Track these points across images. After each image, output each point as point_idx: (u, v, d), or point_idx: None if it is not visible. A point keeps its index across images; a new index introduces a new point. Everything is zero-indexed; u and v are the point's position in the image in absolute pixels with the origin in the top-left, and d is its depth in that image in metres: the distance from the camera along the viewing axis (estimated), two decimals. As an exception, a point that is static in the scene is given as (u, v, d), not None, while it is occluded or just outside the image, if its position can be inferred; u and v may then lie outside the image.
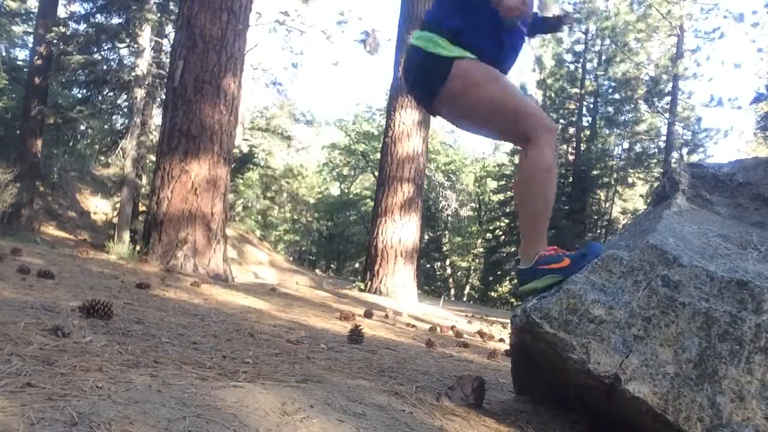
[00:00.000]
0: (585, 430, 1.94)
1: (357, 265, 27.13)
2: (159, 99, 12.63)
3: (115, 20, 12.36)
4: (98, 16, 12.52)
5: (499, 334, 5.80)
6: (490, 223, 28.06)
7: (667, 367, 1.63)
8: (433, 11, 2.00)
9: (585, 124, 23.94)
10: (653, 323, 1.68)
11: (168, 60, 9.09)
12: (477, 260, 28.66)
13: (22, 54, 16.53)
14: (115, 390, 1.29)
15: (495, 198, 27.61)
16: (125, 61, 12.85)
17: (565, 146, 25.01)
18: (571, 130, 24.22)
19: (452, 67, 1.88)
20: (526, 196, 1.94)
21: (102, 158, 13.66)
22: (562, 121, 24.39)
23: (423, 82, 1.99)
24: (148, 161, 12.27)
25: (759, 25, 17.99)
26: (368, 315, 5.12)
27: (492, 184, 28.11)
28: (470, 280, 29.06)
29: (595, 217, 24.32)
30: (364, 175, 28.82)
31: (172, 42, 8.07)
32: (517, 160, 22.77)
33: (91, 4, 12.86)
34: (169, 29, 12.74)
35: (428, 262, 28.42)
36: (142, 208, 12.01)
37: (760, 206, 2.16)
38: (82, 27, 12.56)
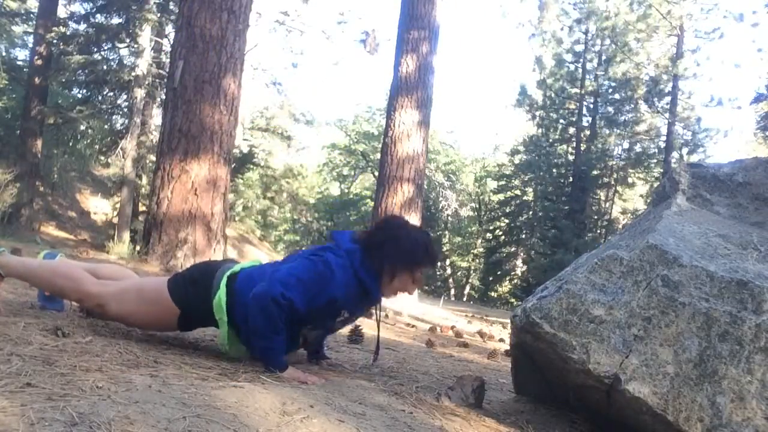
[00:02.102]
0: (585, 430, 1.94)
1: None
2: (159, 99, 12.62)
3: (115, 20, 12.35)
4: (98, 16, 12.51)
5: (499, 334, 5.80)
6: (490, 223, 28.06)
7: (667, 367, 1.63)
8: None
9: (585, 124, 23.93)
10: (653, 323, 1.68)
11: (168, 60, 9.09)
12: (477, 260, 28.66)
13: (22, 54, 16.53)
14: (115, 390, 1.29)
15: (495, 198, 27.62)
16: (125, 61, 12.84)
17: (565, 146, 25.02)
18: (571, 130, 24.22)
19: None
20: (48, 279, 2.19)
21: (102, 158, 13.65)
22: (562, 121, 24.39)
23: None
24: (148, 161, 12.27)
25: (759, 25, 18.02)
26: (368, 315, 5.12)
27: (492, 184, 28.12)
28: (470, 280, 29.05)
29: (595, 217, 24.32)
30: (364, 175, 28.83)
31: (172, 42, 8.07)
32: (516, 160, 22.66)
33: (91, 4, 12.85)
34: (169, 29, 12.73)
35: (428, 262, 28.35)
36: (142, 208, 12.01)
37: (760, 206, 2.16)
38: (82, 27, 12.54)
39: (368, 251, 2.02)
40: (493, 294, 26.08)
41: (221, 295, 1.97)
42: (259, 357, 1.93)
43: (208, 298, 1.99)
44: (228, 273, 2.02)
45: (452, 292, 27.90)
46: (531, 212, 25.27)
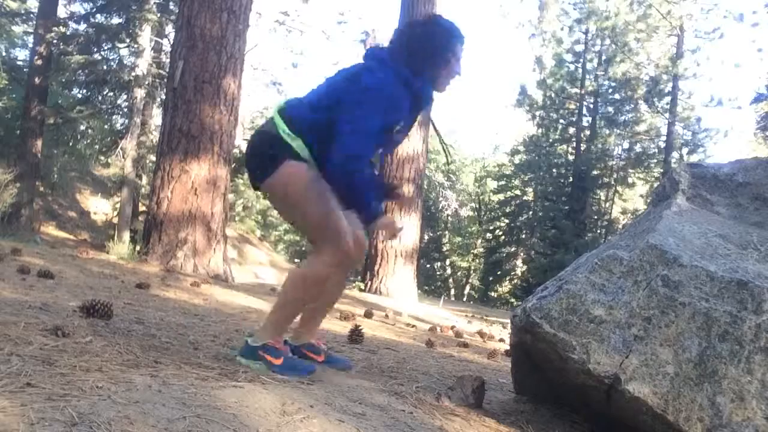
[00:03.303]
0: (585, 430, 1.94)
1: (357, 265, 27.09)
2: (159, 99, 12.61)
3: (115, 20, 12.35)
4: (98, 16, 12.50)
5: (499, 334, 5.80)
6: (490, 223, 28.05)
7: (667, 367, 1.63)
8: (299, 110, 2.04)
9: (585, 124, 23.92)
10: (653, 323, 1.68)
11: (168, 60, 9.09)
12: (477, 260, 28.66)
13: (22, 54, 16.52)
14: (115, 390, 1.29)
15: (495, 198, 27.61)
16: (125, 61, 12.83)
17: (565, 146, 25.02)
18: (571, 130, 24.22)
19: (285, 161, 1.97)
20: (286, 289, 2.09)
21: (102, 158, 13.64)
22: (562, 121, 24.39)
23: (259, 160, 2.07)
24: (148, 161, 12.26)
25: (759, 25, 17.99)
26: (368, 315, 5.12)
27: (492, 184, 28.11)
28: (470, 280, 29.05)
29: (595, 217, 24.32)
30: (363, 176, 28.78)
31: (172, 42, 8.06)
32: (516, 160, 22.68)
33: (91, 4, 12.85)
34: (169, 29, 12.71)
35: (428, 262, 28.40)
36: (142, 208, 12.00)
37: (760, 206, 2.16)
38: (82, 27, 12.54)
39: (402, 62, 2.02)
40: (493, 294, 26.07)
41: (279, 123, 1.99)
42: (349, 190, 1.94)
43: (277, 139, 1.98)
44: (276, 109, 2.06)
45: (452, 292, 27.89)
46: (531, 212, 25.27)
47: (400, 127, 2.09)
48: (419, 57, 2.03)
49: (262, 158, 2.02)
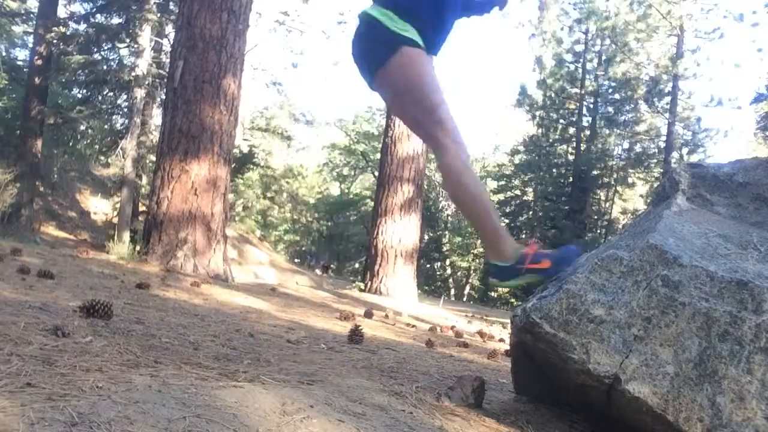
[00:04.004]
0: (585, 430, 1.94)
1: (357, 265, 27.13)
2: (159, 99, 12.62)
3: (115, 20, 12.36)
4: (98, 16, 12.52)
5: (499, 334, 5.80)
6: (490, 223, 28.03)
7: (667, 367, 1.63)
8: None
9: (585, 124, 23.94)
10: (653, 323, 1.68)
11: (168, 60, 9.09)
12: (477, 260, 28.66)
13: (22, 54, 16.53)
14: (115, 390, 1.29)
15: (495, 198, 27.61)
16: (125, 61, 12.85)
17: (565, 146, 25.02)
18: (571, 130, 24.23)
19: (401, 47, 1.91)
20: (463, 203, 1.99)
21: (102, 158, 13.66)
22: (562, 121, 24.39)
23: (371, 53, 2.01)
24: (148, 161, 12.27)
25: (759, 25, 17.98)
26: (368, 315, 5.12)
27: (492, 184, 28.11)
28: (470, 280, 29.06)
29: (595, 217, 24.32)
30: (364, 175, 28.85)
31: (172, 42, 8.06)
32: (516, 160, 22.67)
33: (91, 4, 12.87)
34: (169, 29, 12.72)
35: (428, 262, 28.41)
36: (142, 208, 12.00)
37: (760, 206, 2.16)
38: (82, 27, 12.55)
39: None
40: (493, 294, 26.07)
41: (384, 21, 1.93)
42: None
43: (389, 32, 1.93)
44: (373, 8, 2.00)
45: (452, 292, 27.91)
46: (531, 212, 25.28)
47: None
48: None
49: (376, 45, 1.96)
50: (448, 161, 1.91)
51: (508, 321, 2.53)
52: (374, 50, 1.99)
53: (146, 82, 11.66)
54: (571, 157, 24.18)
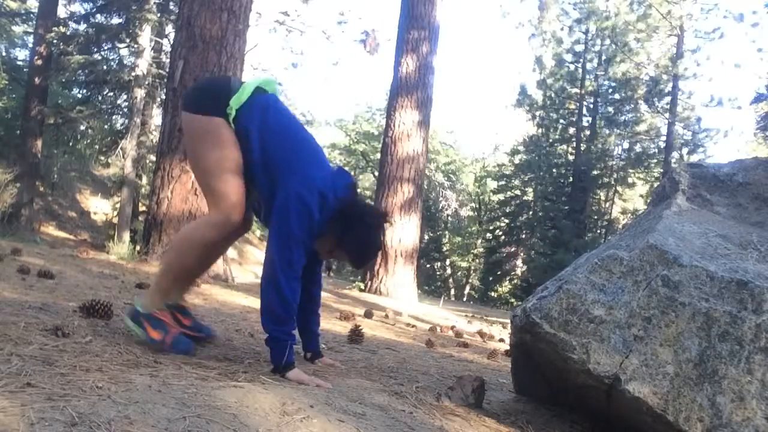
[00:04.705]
0: (585, 430, 1.94)
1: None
2: (159, 99, 12.62)
3: (115, 20, 12.35)
4: (98, 16, 12.50)
5: (499, 334, 5.80)
6: (490, 223, 28.05)
7: (667, 367, 1.63)
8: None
9: (585, 124, 23.92)
10: (653, 323, 1.68)
11: (168, 60, 9.09)
12: (477, 260, 28.65)
13: (22, 54, 16.53)
14: (115, 390, 1.29)
15: (495, 198, 27.61)
16: (125, 61, 12.84)
17: (565, 146, 25.02)
18: (571, 130, 24.22)
19: (212, 116, 2.01)
20: (170, 253, 2.18)
21: (102, 158, 13.64)
22: (562, 121, 24.39)
23: (202, 95, 2.11)
24: (148, 161, 12.26)
25: (759, 25, 17.99)
26: (368, 315, 5.12)
27: (492, 184, 28.10)
28: (470, 280, 29.04)
29: (595, 217, 24.31)
30: (364, 175, 28.82)
31: (172, 42, 8.07)
32: (516, 160, 22.65)
33: (91, 4, 12.85)
34: (169, 29, 12.72)
35: (428, 262, 28.40)
36: (142, 208, 12.00)
37: (760, 206, 2.16)
38: (82, 27, 12.54)
39: (340, 213, 2.01)
40: (493, 294, 26.07)
41: (243, 95, 2.01)
42: (267, 345, 1.91)
43: (227, 93, 2.01)
44: (259, 83, 2.08)
45: (452, 292, 27.89)
46: (531, 212, 25.27)
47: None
48: (347, 237, 2.02)
49: (205, 96, 2.07)
50: (192, 230, 2.11)
51: (508, 321, 2.53)
52: (202, 97, 2.10)
53: (146, 82, 11.66)
54: (571, 157, 24.17)
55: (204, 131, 2.01)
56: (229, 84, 2.07)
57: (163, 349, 1.96)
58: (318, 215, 1.95)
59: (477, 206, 29.07)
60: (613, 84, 22.38)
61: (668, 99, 20.23)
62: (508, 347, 3.30)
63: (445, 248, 28.94)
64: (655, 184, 20.68)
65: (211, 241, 2.05)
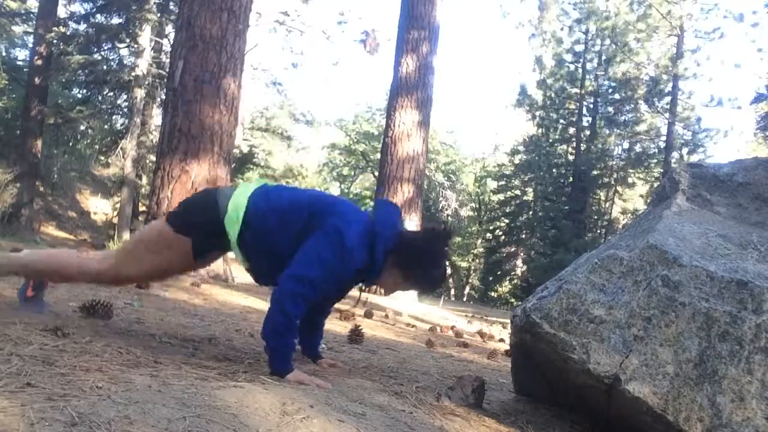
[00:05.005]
0: (585, 430, 1.94)
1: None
2: (159, 99, 12.62)
3: (115, 20, 12.35)
4: (98, 16, 12.51)
5: (499, 334, 5.80)
6: (490, 223, 28.06)
7: (667, 367, 1.63)
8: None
9: (585, 124, 23.93)
10: (653, 323, 1.68)
11: (168, 60, 9.09)
12: (477, 260, 28.66)
13: (22, 54, 16.54)
14: (115, 390, 1.29)
15: (495, 198, 27.62)
16: (125, 61, 12.84)
17: (565, 146, 25.02)
18: (571, 130, 24.22)
19: (187, 238, 2.03)
20: (52, 255, 2.36)
21: (102, 158, 13.65)
22: (562, 121, 24.39)
23: (190, 214, 2.12)
24: (148, 161, 12.27)
25: (759, 25, 17.99)
26: (368, 315, 5.12)
27: (492, 184, 28.11)
28: (470, 280, 29.05)
29: (595, 217, 24.32)
30: (364, 175, 28.83)
31: (172, 42, 8.07)
32: (516, 160, 22.62)
33: (91, 4, 12.86)
34: (169, 29, 12.72)
35: (428, 262, 28.34)
36: (142, 208, 12.00)
37: (760, 206, 2.16)
38: (82, 27, 12.55)
39: (400, 247, 1.99)
40: (493, 294, 26.08)
41: (237, 203, 2.00)
42: (266, 352, 1.91)
43: (216, 215, 2.01)
44: (239, 192, 2.06)
45: (452, 292, 27.89)
46: (531, 212, 25.27)
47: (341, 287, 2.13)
48: (413, 267, 2.01)
49: (192, 215, 2.07)
50: (86, 262, 2.19)
51: (508, 321, 2.53)
52: (188, 216, 2.11)
53: (146, 82, 11.66)
54: (571, 157, 24.17)
55: (159, 235, 2.07)
56: (216, 206, 2.03)
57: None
58: (360, 253, 1.93)
59: (477, 206, 29.08)
60: (613, 84, 22.39)
61: (668, 99, 20.23)
62: (508, 347, 3.30)
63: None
64: (655, 184, 20.68)
65: (78, 275, 2.18)
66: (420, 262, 1.99)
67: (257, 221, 1.98)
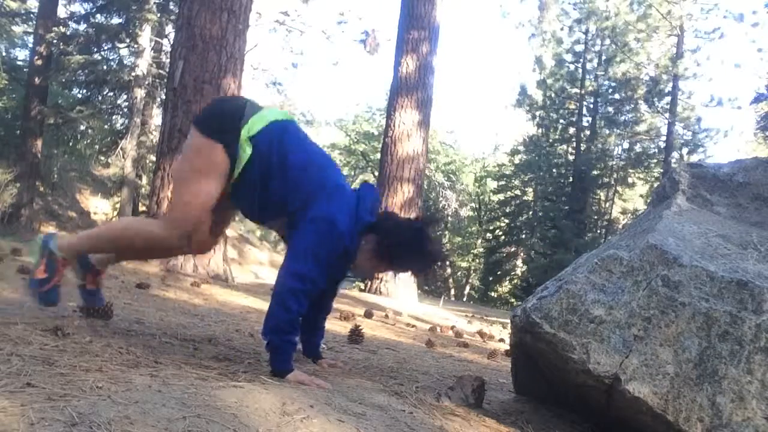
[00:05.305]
0: (585, 430, 1.94)
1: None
2: (159, 99, 12.62)
3: (115, 20, 12.36)
4: (98, 16, 12.52)
5: (499, 334, 5.80)
6: (490, 223, 28.05)
7: (667, 367, 1.63)
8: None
9: (585, 124, 23.92)
10: (653, 323, 1.68)
11: (168, 60, 9.10)
12: (477, 260, 28.65)
13: (22, 54, 16.53)
14: (115, 390, 1.29)
15: (495, 198, 27.61)
16: (125, 61, 12.85)
17: (565, 146, 25.02)
18: (571, 130, 24.21)
19: (213, 142, 1.98)
20: (118, 226, 2.30)
21: (102, 158, 13.65)
22: (562, 121, 24.38)
23: (205, 118, 2.11)
24: (148, 161, 12.27)
25: (759, 25, 17.98)
26: (368, 315, 5.12)
27: (492, 184, 28.11)
28: (470, 280, 29.04)
29: (595, 217, 24.32)
30: (364, 175, 28.81)
31: (172, 42, 8.07)
32: (516, 160, 22.68)
33: (91, 4, 12.86)
34: (169, 29, 12.73)
35: (428, 262, 28.33)
36: (142, 208, 12.01)
37: (760, 206, 2.16)
38: (82, 27, 12.55)
39: (380, 233, 2.00)
40: (493, 294, 26.06)
41: (258, 123, 1.99)
42: (267, 351, 1.91)
43: (240, 116, 2.00)
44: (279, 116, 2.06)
45: (452, 292, 27.89)
46: (531, 212, 25.26)
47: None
48: (395, 254, 2.01)
49: (213, 119, 2.05)
50: (147, 227, 2.17)
51: (508, 321, 2.53)
52: (211, 120, 2.08)
53: (146, 82, 11.66)
54: (571, 157, 24.17)
55: (197, 151, 2.01)
56: (243, 109, 2.03)
57: (30, 294, 2.11)
58: (348, 241, 1.94)
59: (477, 206, 29.07)
60: (613, 84, 22.39)
61: (668, 99, 20.23)
62: (508, 347, 3.30)
63: (445, 248, 28.90)
64: (655, 184, 20.67)
65: (158, 245, 2.10)
66: (393, 236, 2.00)
67: (262, 154, 1.98)
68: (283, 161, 1.98)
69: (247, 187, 2.01)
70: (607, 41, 21.92)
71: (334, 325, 3.98)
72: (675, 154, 20.52)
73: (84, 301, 2.30)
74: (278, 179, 1.98)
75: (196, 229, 2.05)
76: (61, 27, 12.30)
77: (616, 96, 22.72)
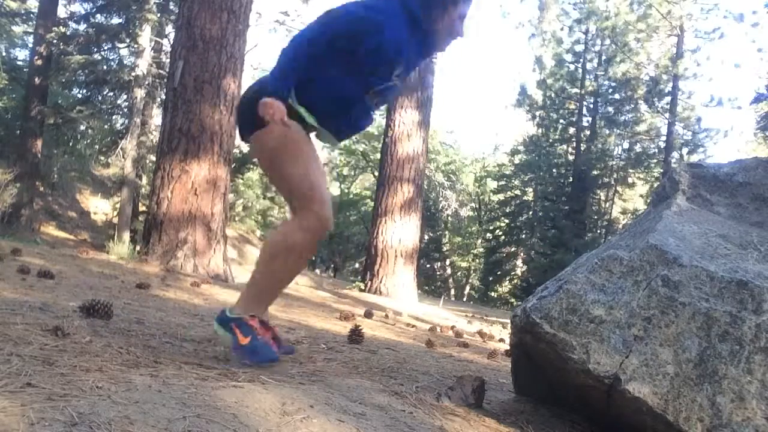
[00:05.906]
0: (585, 430, 1.94)
1: (357, 265, 27.12)
2: (159, 99, 12.62)
3: (115, 20, 12.36)
4: (98, 16, 12.52)
5: (499, 334, 5.80)
6: (490, 223, 28.04)
7: (667, 367, 1.63)
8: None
9: (585, 124, 23.92)
10: (653, 323, 1.68)
11: (168, 60, 9.10)
12: (477, 260, 28.64)
13: (22, 54, 16.53)
14: (115, 390, 1.29)
15: (495, 198, 27.60)
16: (125, 61, 12.85)
17: (565, 146, 25.02)
18: (571, 130, 24.21)
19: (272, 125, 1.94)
20: (264, 259, 2.04)
21: (102, 158, 13.65)
22: (562, 121, 24.38)
23: (244, 116, 2.07)
24: (148, 161, 12.27)
25: (759, 25, 17.99)
26: (368, 315, 5.12)
27: (492, 184, 28.09)
28: (470, 280, 29.04)
29: (595, 217, 24.31)
30: (364, 175, 28.81)
31: (172, 42, 8.07)
32: (516, 160, 22.70)
33: (91, 4, 12.86)
34: (169, 29, 12.72)
35: (428, 262, 28.38)
36: (142, 208, 12.00)
37: (760, 206, 2.16)
38: (82, 27, 12.55)
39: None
40: (493, 294, 26.05)
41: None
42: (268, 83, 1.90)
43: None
44: None
45: (452, 292, 27.88)
46: (531, 212, 25.26)
47: (401, 69, 2.01)
48: None
49: (253, 109, 1.95)
50: (288, 231, 2.01)
51: (508, 321, 2.53)
52: (247, 116, 2.04)
53: (146, 82, 11.66)
54: (571, 157, 24.16)
55: (281, 140, 1.96)
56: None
57: (246, 357, 1.91)
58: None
59: (477, 206, 29.06)
60: (613, 84, 22.39)
61: (668, 99, 20.23)
62: (508, 347, 3.30)
63: (445, 248, 28.92)
64: (655, 184, 20.68)
65: (304, 247, 1.97)
66: None
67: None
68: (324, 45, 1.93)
69: (321, 103, 1.97)
70: (607, 41, 21.92)
71: (334, 325, 3.98)
72: (675, 154, 20.53)
73: (282, 353, 2.15)
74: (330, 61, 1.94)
75: (326, 200, 1.99)
76: (61, 27, 12.30)
77: (616, 96, 22.72)
